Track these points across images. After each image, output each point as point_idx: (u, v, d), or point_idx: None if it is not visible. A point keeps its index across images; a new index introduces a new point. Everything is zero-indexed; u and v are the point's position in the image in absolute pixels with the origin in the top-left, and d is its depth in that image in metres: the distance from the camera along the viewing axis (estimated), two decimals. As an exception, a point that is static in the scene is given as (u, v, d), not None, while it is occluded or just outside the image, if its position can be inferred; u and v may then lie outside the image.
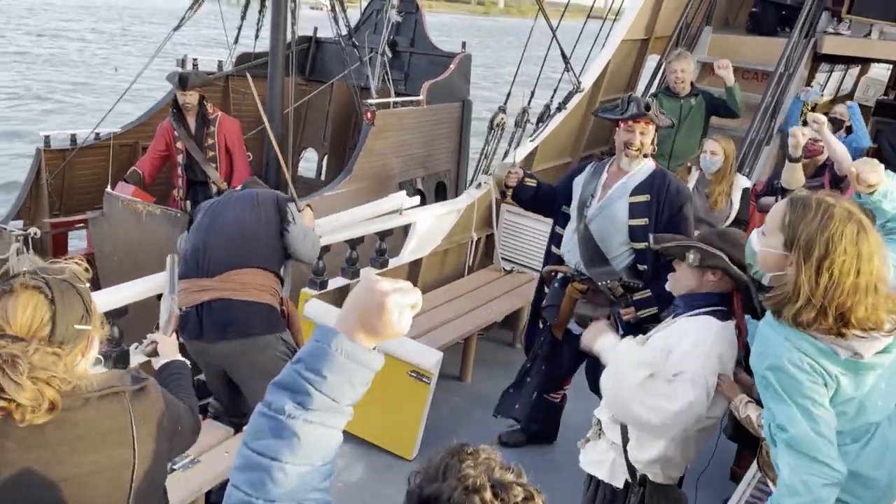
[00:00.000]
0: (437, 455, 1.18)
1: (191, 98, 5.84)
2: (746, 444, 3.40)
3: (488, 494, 1.10)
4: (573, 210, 3.88)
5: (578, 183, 3.90)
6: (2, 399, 1.51)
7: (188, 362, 2.32)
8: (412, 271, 5.80)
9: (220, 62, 7.24)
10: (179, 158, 5.99)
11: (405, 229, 5.66)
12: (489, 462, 1.16)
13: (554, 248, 4.02)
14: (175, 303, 2.57)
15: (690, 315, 2.69)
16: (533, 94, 6.77)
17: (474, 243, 6.15)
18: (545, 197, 4.07)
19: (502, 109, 6.81)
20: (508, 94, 6.79)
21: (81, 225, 6.38)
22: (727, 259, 2.63)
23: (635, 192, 3.73)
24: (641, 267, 3.75)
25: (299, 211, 3.75)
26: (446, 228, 5.88)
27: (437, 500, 1.12)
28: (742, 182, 5.10)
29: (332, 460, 1.24)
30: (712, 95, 6.09)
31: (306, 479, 1.20)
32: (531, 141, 6.78)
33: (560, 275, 3.95)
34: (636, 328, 3.70)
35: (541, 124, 6.91)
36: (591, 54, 7.71)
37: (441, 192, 7.23)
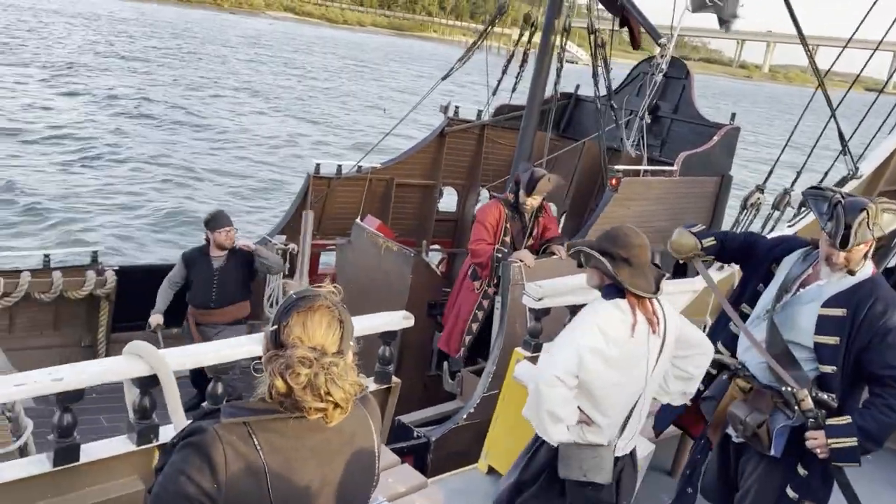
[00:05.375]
0: None
1: (533, 202, 5.71)
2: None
3: None
4: (769, 290, 3.34)
5: (788, 262, 3.37)
6: (326, 401, 1.77)
7: None
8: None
9: (479, 111, 7.62)
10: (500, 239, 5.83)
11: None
12: None
13: (745, 307, 3.53)
14: None
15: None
16: (799, 174, 6.16)
17: (708, 329, 5.66)
18: (738, 246, 3.71)
19: (760, 189, 6.27)
20: (770, 172, 6.25)
21: (332, 248, 7.00)
22: (598, 255, 3.06)
23: (830, 302, 3.11)
24: (824, 395, 3.11)
25: None
26: (677, 309, 5.47)
27: None
28: None
29: None
30: None
31: None
32: (789, 227, 6.14)
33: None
34: (795, 449, 3.12)
35: (803, 209, 6.24)
36: (875, 136, 6.84)
37: (680, 272, 6.80)
